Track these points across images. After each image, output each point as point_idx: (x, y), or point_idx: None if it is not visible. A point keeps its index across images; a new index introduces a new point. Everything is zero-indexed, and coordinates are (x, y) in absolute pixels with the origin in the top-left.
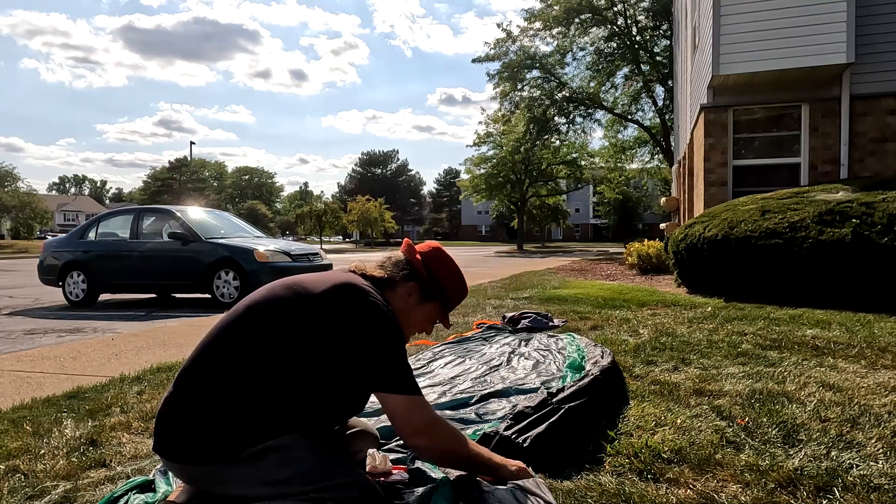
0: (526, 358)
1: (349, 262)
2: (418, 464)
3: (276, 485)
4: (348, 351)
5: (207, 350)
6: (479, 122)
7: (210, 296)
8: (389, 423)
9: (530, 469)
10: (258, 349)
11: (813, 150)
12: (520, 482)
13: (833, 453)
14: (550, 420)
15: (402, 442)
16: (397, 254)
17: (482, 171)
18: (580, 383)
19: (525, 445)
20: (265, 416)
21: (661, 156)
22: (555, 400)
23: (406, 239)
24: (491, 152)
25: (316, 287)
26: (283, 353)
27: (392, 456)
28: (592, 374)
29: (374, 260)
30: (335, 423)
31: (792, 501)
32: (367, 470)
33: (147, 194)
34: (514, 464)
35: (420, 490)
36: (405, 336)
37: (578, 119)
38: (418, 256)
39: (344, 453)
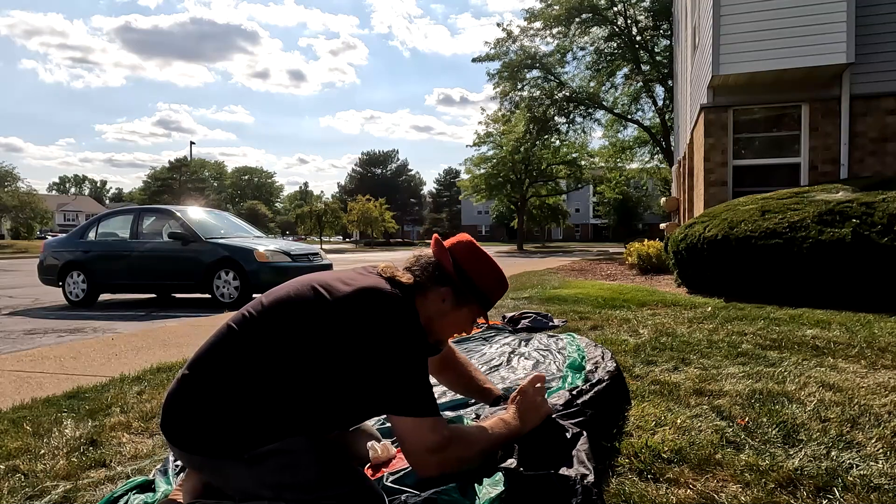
0: (526, 358)
1: (349, 262)
2: None
3: (277, 488)
4: (360, 362)
5: (226, 338)
6: (479, 122)
7: (210, 296)
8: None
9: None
10: (275, 347)
11: (813, 150)
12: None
13: (833, 453)
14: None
15: None
16: (427, 254)
17: (482, 171)
18: (597, 388)
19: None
20: (271, 418)
21: (661, 156)
22: (579, 401)
23: (435, 235)
24: (491, 152)
25: (340, 290)
26: (299, 355)
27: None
28: (605, 382)
29: (402, 261)
30: (343, 429)
31: (792, 501)
32: (371, 461)
33: (147, 194)
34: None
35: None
36: (444, 338)
37: (578, 119)
38: (449, 258)
39: (346, 456)
